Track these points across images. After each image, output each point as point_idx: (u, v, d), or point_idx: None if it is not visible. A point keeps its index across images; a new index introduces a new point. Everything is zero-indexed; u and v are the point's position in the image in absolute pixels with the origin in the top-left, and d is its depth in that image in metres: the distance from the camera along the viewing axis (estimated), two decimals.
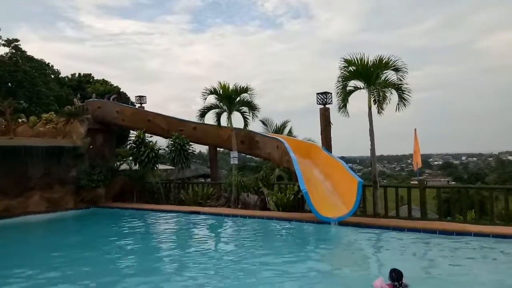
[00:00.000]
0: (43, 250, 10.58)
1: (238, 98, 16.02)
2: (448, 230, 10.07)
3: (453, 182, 57.92)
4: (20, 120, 18.70)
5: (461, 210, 12.66)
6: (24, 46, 30.02)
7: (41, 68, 30.34)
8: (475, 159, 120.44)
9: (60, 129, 18.23)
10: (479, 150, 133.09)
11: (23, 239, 12.50)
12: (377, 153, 13.16)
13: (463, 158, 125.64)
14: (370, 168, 14.65)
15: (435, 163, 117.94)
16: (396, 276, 5.72)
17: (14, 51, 29.23)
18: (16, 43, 29.41)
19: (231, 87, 15.81)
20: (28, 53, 30.00)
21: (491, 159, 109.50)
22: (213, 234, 12.58)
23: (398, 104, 12.73)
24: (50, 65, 33.89)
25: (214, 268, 8.16)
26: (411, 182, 44.95)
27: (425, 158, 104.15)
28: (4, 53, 28.91)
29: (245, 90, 15.92)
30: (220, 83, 15.85)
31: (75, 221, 16.01)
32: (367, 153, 13.45)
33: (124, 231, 13.29)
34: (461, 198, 13.24)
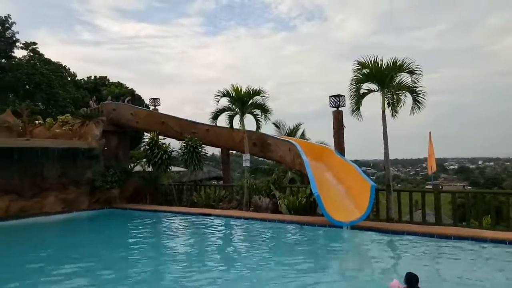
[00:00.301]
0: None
1: (251, 101, 16.04)
2: (463, 235, 9.89)
3: (469, 187, 56.86)
4: (37, 122, 19.04)
5: (477, 216, 12.41)
6: (42, 49, 30.66)
7: (58, 70, 30.89)
8: (492, 163, 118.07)
9: (75, 131, 18.51)
10: (496, 154, 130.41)
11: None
12: (391, 156, 13.01)
13: (480, 162, 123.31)
14: (384, 172, 14.49)
15: (451, 167, 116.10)
16: (413, 280, 5.62)
17: (32, 54, 29.85)
18: (34, 46, 30.04)
19: (243, 89, 15.85)
20: (46, 56, 30.62)
21: (508, 163, 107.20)
22: (224, 237, 12.59)
23: (412, 107, 12.57)
24: (67, 67, 34.51)
25: (223, 269, 8.19)
26: (426, 187, 44.30)
27: (441, 162, 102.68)
28: (23, 56, 29.56)
29: (257, 92, 15.93)
30: (233, 86, 15.90)
31: (91, 221, 16.26)
32: (381, 156, 13.30)
33: (138, 232, 13.43)
34: (477, 203, 12.98)
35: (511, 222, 11.54)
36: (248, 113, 16.23)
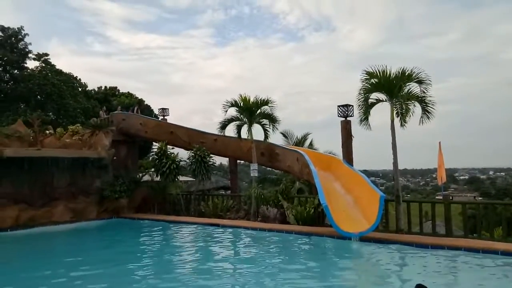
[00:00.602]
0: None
1: (259, 111, 16.08)
2: (474, 247, 9.72)
3: (480, 198, 56.03)
4: (47, 132, 19.28)
5: (488, 227, 12.21)
6: (53, 60, 31.22)
7: (69, 81, 31.36)
8: (503, 174, 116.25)
9: (85, 141, 18.70)
10: (507, 164, 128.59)
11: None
12: (401, 166, 12.92)
13: (491, 173, 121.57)
14: (393, 182, 14.36)
15: (461, 177, 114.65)
16: None
17: (44, 65, 30.39)
18: (46, 57, 30.59)
19: (251, 99, 15.91)
20: (57, 67, 31.14)
21: None
22: (232, 247, 12.53)
23: (421, 116, 12.49)
24: (78, 78, 35.03)
25: (230, 280, 8.14)
26: (436, 197, 43.78)
27: (451, 173, 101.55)
28: (35, 67, 30.10)
29: (265, 102, 15.98)
30: (241, 96, 15.98)
31: (100, 231, 16.32)
32: (390, 166, 13.18)
33: (146, 241, 13.44)
34: (488, 214, 12.78)
35: None
36: (256, 123, 16.26)
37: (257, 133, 16.44)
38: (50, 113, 29.17)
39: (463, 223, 12.30)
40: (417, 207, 12.66)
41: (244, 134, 16.50)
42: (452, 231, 12.05)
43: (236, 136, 16.84)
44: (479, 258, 9.07)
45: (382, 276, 8.34)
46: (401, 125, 12.44)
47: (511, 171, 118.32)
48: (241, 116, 16.34)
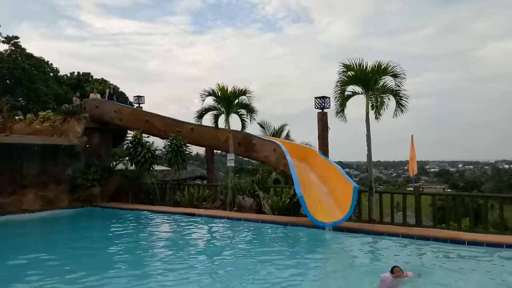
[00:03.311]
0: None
1: (237, 101, 16.02)
2: (442, 237, 10.06)
3: (449, 190, 58.02)
4: (17, 118, 18.64)
5: (456, 218, 12.66)
6: (24, 43, 30.17)
7: (40, 66, 30.28)
8: (471, 167, 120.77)
9: (57, 128, 18.18)
10: (475, 158, 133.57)
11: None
12: (374, 158, 13.20)
13: (460, 165, 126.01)
14: (366, 174, 14.66)
15: (432, 170, 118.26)
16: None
17: (13, 48, 29.22)
18: (16, 40, 29.40)
19: (229, 89, 15.81)
20: (28, 51, 29.99)
21: (487, 167, 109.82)
22: (207, 236, 12.54)
23: (395, 110, 12.77)
24: (50, 63, 33.86)
25: (205, 269, 8.17)
26: (408, 189, 45.00)
27: (422, 165, 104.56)
28: (3, 50, 28.88)
29: (243, 92, 15.93)
30: (218, 85, 15.85)
31: (70, 220, 15.99)
32: (364, 158, 13.45)
33: (119, 231, 13.25)
34: (456, 206, 13.26)
35: (489, 224, 11.84)
36: (233, 112, 16.21)
37: (235, 123, 16.43)
38: (20, 98, 28.17)
39: (432, 213, 12.73)
40: (389, 198, 12.98)
41: (221, 123, 16.43)
42: (422, 221, 12.46)
43: (213, 125, 16.74)
44: (447, 247, 9.40)
45: (352, 265, 8.54)
46: (376, 117, 12.68)
47: (479, 164, 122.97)
48: (219, 105, 16.24)
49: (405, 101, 12.64)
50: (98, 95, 21.78)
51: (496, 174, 79.79)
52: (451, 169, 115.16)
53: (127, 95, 32.29)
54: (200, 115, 16.68)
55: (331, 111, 14.70)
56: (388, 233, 10.79)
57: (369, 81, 12.44)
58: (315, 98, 15.71)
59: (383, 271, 7.15)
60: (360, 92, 12.90)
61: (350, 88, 13.16)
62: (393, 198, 12.93)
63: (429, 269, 7.77)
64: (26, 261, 9.06)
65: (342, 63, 12.80)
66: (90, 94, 22.05)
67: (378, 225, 11.95)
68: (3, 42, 28.82)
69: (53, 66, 34.18)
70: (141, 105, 22.62)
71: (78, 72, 35.45)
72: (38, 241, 12.20)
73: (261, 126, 22.08)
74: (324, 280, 7.70)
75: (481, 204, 13.40)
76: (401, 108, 12.71)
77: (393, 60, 12.38)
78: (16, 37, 29.47)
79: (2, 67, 26.66)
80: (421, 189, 14.56)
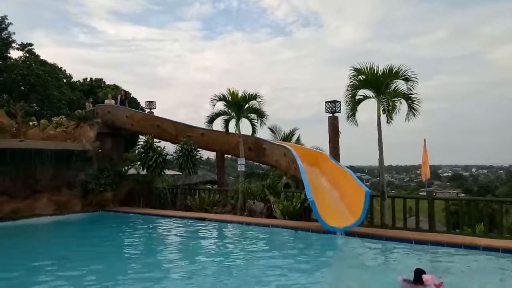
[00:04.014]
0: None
1: (247, 105, 16.04)
2: (456, 243, 9.90)
3: (462, 194, 57.14)
4: (31, 123, 18.93)
5: (470, 223, 12.45)
6: (38, 50, 30.70)
7: (54, 72, 30.78)
8: (485, 171, 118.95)
9: (70, 133, 18.41)
10: (489, 162, 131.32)
11: None
12: (386, 163, 13.06)
13: (473, 170, 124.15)
14: (378, 178, 14.52)
15: (445, 174, 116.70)
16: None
17: (28, 55, 29.75)
18: (30, 48, 29.95)
19: (240, 94, 15.86)
20: (42, 57, 30.51)
21: (501, 171, 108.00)
22: (218, 241, 12.53)
23: (407, 114, 12.64)
24: (63, 69, 34.41)
25: (215, 274, 8.14)
26: (420, 193, 44.41)
27: (435, 169, 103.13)
28: (18, 57, 29.43)
29: (253, 97, 15.95)
30: (229, 90, 15.91)
31: (83, 224, 16.14)
32: (375, 162, 13.33)
33: (131, 235, 13.34)
34: (470, 211, 13.04)
35: (504, 229, 11.61)
36: (244, 117, 16.23)
37: (245, 127, 16.45)
38: (34, 104, 28.63)
39: (446, 219, 12.54)
40: (401, 203, 12.83)
41: (231, 128, 16.48)
42: (435, 227, 12.26)
43: (223, 130, 16.79)
44: (461, 253, 9.24)
45: (365, 270, 8.44)
46: (387, 121, 12.58)
47: (493, 168, 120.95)
48: (229, 110, 16.28)
49: (417, 105, 12.51)
50: (113, 101, 22.05)
51: (511, 178, 78.38)
52: (464, 174, 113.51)
53: (138, 101, 32.68)
54: (211, 120, 16.74)
55: (342, 115, 14.65)
56: (401, 239, 10.66)
57: (380, 85, 12.35)
58: (326, 102, 15.66)
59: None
60: (371, 96, 12.81)
61: (361, 92, 13.08)
62: (405, 203, 12.77)
63: (446, 275, 7.64)
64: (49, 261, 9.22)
65: (353, 67, 12.76)
66: (105, 100, 22.35)
67: (391, 230, 11.81)
68: (18, 49, 29.40)
69: (66, 72, 34.79)
70: (152, 110, 22.80)
71: (91, 78, 36.01)
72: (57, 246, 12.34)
73: (272, 130, 22.06)
74: (336, 285, 7.62)
75: (496, 209, 13.16)
76: (413, 112, 12.57)
77: (404, 64, 12.29)
78: (30, 44, 30.06)
79: (16, 73, 27.14)
80: (434, 194, 14.36)
